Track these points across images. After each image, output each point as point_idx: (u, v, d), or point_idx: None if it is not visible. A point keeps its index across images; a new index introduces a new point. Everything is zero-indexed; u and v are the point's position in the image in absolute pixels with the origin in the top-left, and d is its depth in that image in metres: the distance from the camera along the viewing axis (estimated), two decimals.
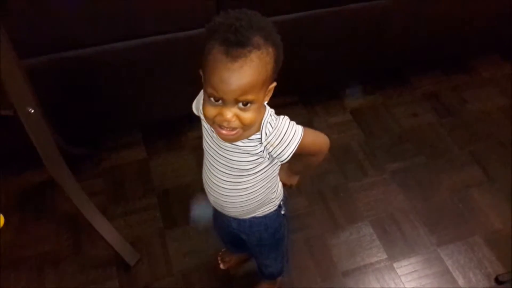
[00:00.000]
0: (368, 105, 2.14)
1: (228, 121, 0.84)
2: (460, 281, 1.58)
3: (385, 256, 1.64)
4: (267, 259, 1.34)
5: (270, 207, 1.14)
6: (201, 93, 0.97)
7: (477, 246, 1.67)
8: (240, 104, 0.83)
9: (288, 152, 0.94)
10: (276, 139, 0.92)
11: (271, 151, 0.94)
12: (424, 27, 1.98)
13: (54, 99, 1.59)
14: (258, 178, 1.01)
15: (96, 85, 1.64)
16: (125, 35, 1.53)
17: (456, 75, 2.30)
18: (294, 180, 1.21)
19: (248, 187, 1.03)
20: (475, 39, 2.18)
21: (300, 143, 0.94)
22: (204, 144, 1.03)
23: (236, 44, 0.78)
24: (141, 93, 1.74)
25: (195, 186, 1.79)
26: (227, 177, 1.02)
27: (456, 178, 1.87)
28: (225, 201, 1.08)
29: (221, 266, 1.60)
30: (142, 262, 1.61)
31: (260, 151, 0.94)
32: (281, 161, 0.97)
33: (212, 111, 0.85)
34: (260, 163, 0.98)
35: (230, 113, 0.83)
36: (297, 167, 1.12)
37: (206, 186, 1.10)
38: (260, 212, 1.13)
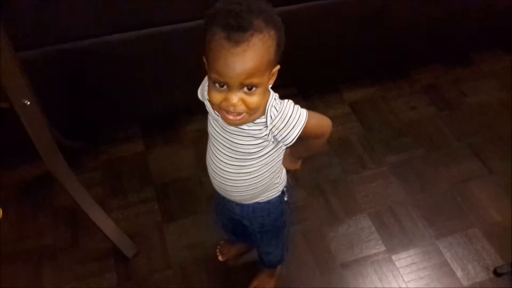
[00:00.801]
0: (367, 98, 2.14)
1: (234, 106, 0.85)
2: (459, 273, 1.58)
3: (383, 248, 1.64)
4: (268, 246, 1.33)
5: (274, 193, 1.14)
6: (206, 79, 0.97)
7: (475, 238, 1.66)
8: (245, 88, 0.84)
9: (293, 135, 0.95)
10: (281, 123, 0.93)
11: (276, 135, 0.95)
12: (424, 21, 1.97)
13: (52, 91, 1.59)
14: (262, 162, 1.02)
15: (93, 78, 1.63)
16: (123, 27, 1.53)
17: (456, 68, 2.29)
18: (297, 165, 1.21)
19: (252, 171, 1.03)
20: (475, 32, 2.17)
21: (304, 126, 0.95)
22: (209, 129, 1.03)
23: (238, 29, 0.78)
24: (139, 86, 1.74)
25: (193, 179, 1.79)
26: (232, 161, 1.02)
27: (455, 171, 1.87)
28: (229, 185, 1.08)
29: (220, 258, 1.59)
30: (140, 254, 1.61)
31: (265, 135, 0.95)
32: (286, 145, 0.98)
33: (217, 96, 0.85)
34: (265, 147, 0.99)
35: (235, 98, 0.84)
36: (300, 151, 1.12)
37: (210, 171, 1.10)
38: (263, 198, 1.13)
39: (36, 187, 1.77)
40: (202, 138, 1.08)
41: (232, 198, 1.14)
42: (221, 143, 1.01)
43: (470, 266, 1.60)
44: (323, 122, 1.04)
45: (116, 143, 1.92)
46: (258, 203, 1.14)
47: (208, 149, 1.08)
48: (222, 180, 1.07)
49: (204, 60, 0.86)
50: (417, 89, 2.19)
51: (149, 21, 1.54)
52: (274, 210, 1.17)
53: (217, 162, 1.05)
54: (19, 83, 1.25)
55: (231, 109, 0.85)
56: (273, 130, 0.94)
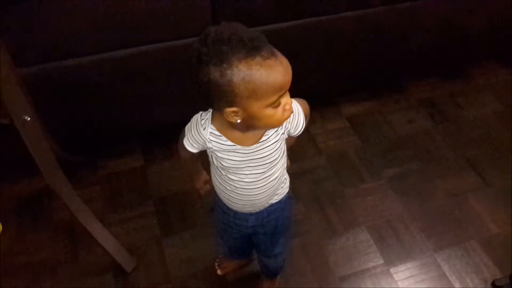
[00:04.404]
0: (365, 112, 2.15)
1: (291, 102, 0.92)
2: (457, 286, 1.58)
3: (381, 262, 1.64)
4: (277, 246, 1.32)
5: (284, 190, 1.17)
6: (193, 131, 1.01)
7: (473, 250, 1.67)
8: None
9: (302, 121, 1.02)
10: (291, 115, 0.97)
11: (290, 128, 1.01)
12: (420, 35, 1.98)
13: (51, 107, 1.60)
14: (282, 160, 1.06)
15: (93, 93, 1.64)
16: (121, 44, 1.54)
17: (452, 81, 2.31)
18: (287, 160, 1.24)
19: (278, 173, 1.07)
20: (471, 45, 2.19)
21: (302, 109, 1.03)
22: (224, 164, 1.03)
23: (261, 48, 0.82)
24: (138, 100, 1.75)
25: (192, 193, 1.79)
26: (261, 176, 1.04)
27: (452, 184, 1.88)
28: (258, 198, 1.10)
29: (219, 272, 1.60)
30: (139, 269, 1.61)
31: (282, 134, 1.00)
32: (297, 133, 1.04)
33: (278, 112, 0.89)
34: (282, 147, 1.03)
35: (288, 97, 0.91)
36: (291, 139, 1.13)
37: (233, 198, 1.11)
38: (276, 198, 1.16)
39: (35, 201, 1.78)
40: (200, 153, 1.09)
41: (254, 208, 1.15)
42: (245, 168, 1.02)
43: (468, 279, 1.60)
44: (304, 101, 1.09)
45: (115, 158, 1.93)
46: (271, 205, 1.16)
47: (225, 182, 1.08)
48: (251, 197, 1.09)
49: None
50: (414, 102, 2.20)
51: (148, 37, 1.56)
52: (286, 206, 1.20)
53: (244, 186, 1.06)
54: (20, 99, 1.27)
55: (290, 108, 0.91)
56: (287, 126, 1.00)
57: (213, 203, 1.26)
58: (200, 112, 1.02)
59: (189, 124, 1.04)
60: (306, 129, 1.09)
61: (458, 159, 1.97)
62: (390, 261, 1.64)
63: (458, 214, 1.78)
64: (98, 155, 1.93)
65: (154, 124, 1.92)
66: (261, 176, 1.04)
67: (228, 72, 0.81)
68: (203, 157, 1.12)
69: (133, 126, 1.90)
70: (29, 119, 1.27)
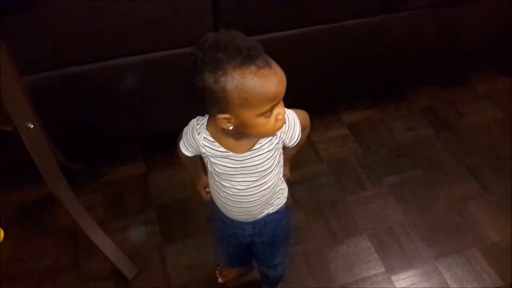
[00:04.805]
0: (366, 120, 2.16)
1: (285, 113, 0.92)
2: None
3: (383, 269, 1.64)
4: (277, 257, 1.32)
5: (281, 200, 1.17)
6: (188, 135, 1.03)
7: (474, 259, 1.67)
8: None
9: (297, 132, 1.02)
10: (285, 125, 0.97)
11: (285, 138, 1.01)
12: (419, 43, 1.99)
13: (54, 114, 1.60)
14: (276, 170, 1.06)
15: (95, 101, 1.65)
16: (123, 52, 1.55)
17: (453, 89, 2.32)
18: (287, 170, 1.24)
19: (271, 183, 1.07)
20: (472, 54, 2.20)
21: (299, 121, 1.02)
22: (217, 170, 1.03)
23: (256, 57, 0.82)
24: (140, 108, 1.76)
25: (194, 200, 1.80)
26: (253, 184, 1.04)
27: (453, 191, 1.88)
28: (251, 206, 1.10)
29: (220, 280, 1.59)
30: (140, 276, 1.61)
31: (276, 143, 1.00)
32: (293, 144, 1.03)
33: (271, 122, 0.90)
34: (277, 156, 1.03)
35: (283, 107, 0.91)
36: (288, 151, 1.13)
37: (227, 204, 1.12)
38: (274, 208, 1.16)
39: (37, 208, 1.78)
40: (201, 157, 1.10)
41: (249, 216, 1.15)
42: (238, 175, 1.03)
43: (469, 287, 1.60)
44: (303, 112, 1.09)
45: (117, 165, 1.94)
46: (268, 215, 1.16)
47: (219, 189, 1.09)
48: (244, 204, 1.09)
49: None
50: (414, 110, 2.21)
51: (149, 46, 1.57)
52: (283, 217, 1.20)
53: (237, 193, 1.06)
54: (23, 107, 1.28)
55: (283, 118, 0.91)
56: (281, 136, 1.00)
57: (211, 211, 1.26)
58: (198, 117, 1.02)
59: (186, 127, 1.05)
60: (307, 137, 1.11)
61: (458, 167, 1.97)
62: (391, 269, 1.64)
63: (459, 222, 1.78)
64: (100, 162, 1.93)
65: (156, 131, 1.93)
66: (253, 184, 1.04)
67: (222, 79, 0.82)
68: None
69: (135, 133, 1.91)
70: (32, 126, 1.28)
